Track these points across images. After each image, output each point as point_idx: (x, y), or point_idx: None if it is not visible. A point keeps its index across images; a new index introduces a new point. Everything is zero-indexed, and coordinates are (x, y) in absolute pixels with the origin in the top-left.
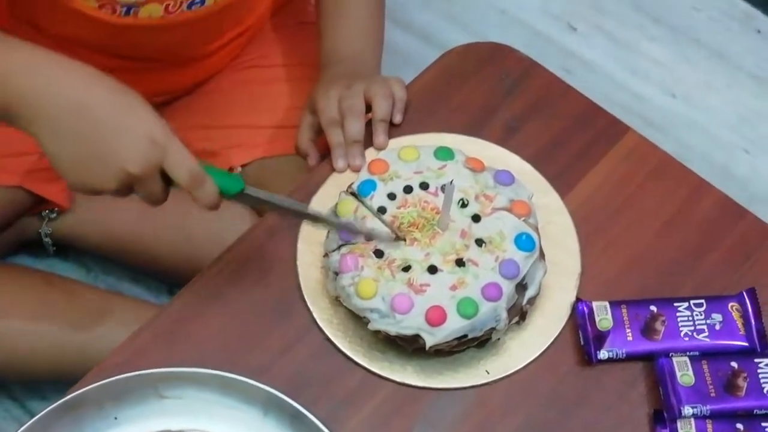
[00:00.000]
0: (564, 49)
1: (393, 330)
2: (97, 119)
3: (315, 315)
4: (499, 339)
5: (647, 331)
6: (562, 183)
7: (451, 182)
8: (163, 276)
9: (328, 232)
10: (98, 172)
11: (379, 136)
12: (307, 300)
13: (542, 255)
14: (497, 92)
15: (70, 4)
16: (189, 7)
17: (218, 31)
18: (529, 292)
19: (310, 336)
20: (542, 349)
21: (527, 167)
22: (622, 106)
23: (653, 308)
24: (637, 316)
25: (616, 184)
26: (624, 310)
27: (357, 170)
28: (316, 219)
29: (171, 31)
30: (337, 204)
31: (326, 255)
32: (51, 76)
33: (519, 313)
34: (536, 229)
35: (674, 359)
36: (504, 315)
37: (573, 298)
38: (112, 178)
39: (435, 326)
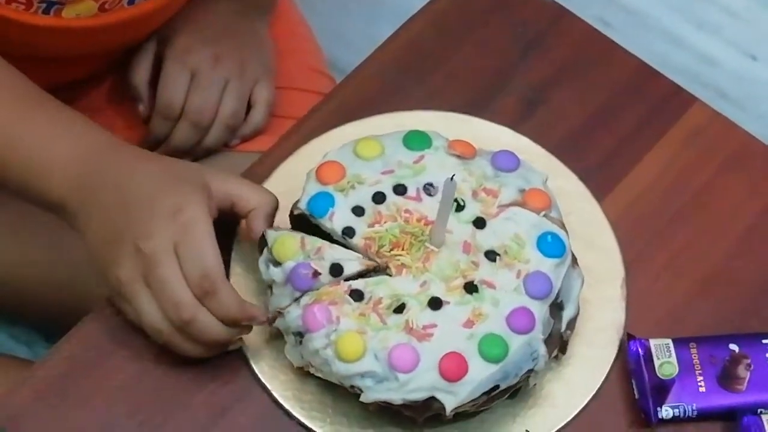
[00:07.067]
0: None
1: (397, 397)
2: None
3: (275, 394)
4: (535, 384)
5: (727, 378)
6: (600, 178)
7: (452, 177)
8: (34, 319)
9: (271, 287)
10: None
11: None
12: (259, 375)
13: (574, 259)
14: (510, 52)
15: None
16: (131, 2)
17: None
18: (568, 312)
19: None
20: (592, 393)
21: (552, 162)
22: (682, 72)
23: (734, 347)
24: (712, 358)
25: (678, 177)
26: (693, 351)
27: None
28: None
29: (106, 33)
30: (272, 247)
31: (280, 313)
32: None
33: (559, 344)
34: (562, 225)
35: (764, 418)
36: (542, 349)
37: (623, 314)
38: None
39: (454, 381)
